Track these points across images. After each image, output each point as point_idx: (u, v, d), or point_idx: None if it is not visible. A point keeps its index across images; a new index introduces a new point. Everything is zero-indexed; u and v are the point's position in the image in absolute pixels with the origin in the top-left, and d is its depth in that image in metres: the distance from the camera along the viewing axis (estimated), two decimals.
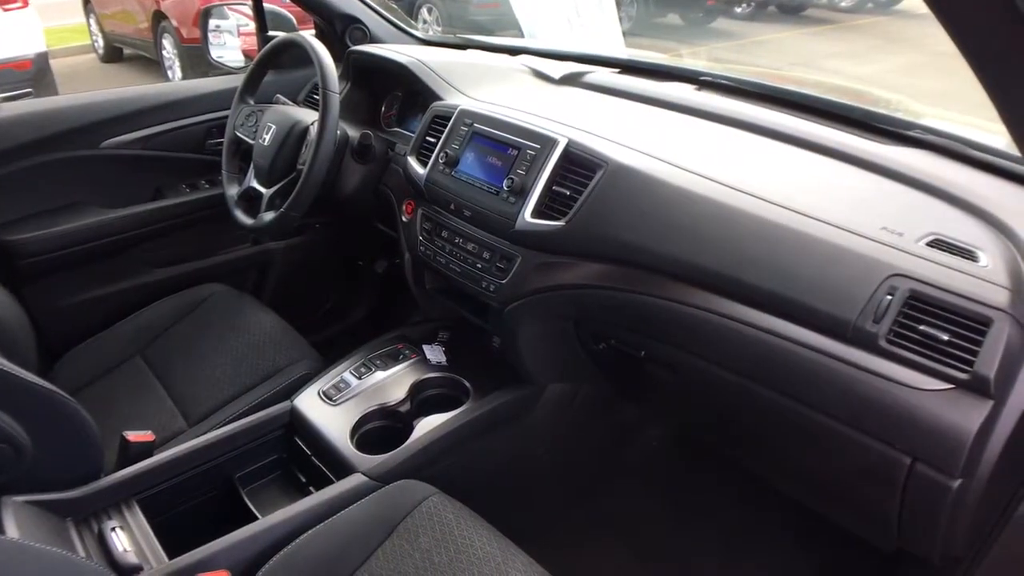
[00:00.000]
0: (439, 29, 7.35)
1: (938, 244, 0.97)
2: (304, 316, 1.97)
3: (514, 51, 1.93)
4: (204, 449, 1.30)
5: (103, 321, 1.73)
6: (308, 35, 1.63)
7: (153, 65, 7.15)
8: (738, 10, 9.11)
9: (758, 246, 1.04)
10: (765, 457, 1.26)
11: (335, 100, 1.49)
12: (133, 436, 1.27)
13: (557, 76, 1.70)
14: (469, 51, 1.97)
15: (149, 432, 1.29)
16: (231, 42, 2.22)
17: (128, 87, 1.90)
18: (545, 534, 1.24)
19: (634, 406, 1.58)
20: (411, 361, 1.51)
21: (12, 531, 0.99)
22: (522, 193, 1.27)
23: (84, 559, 1.01)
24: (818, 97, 1.46)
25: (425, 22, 7.54)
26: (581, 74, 1.71)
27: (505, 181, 1.29)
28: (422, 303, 1.64)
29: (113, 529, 1.12)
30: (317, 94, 1.52)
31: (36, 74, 4.75)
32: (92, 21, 8.08)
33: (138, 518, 1.18)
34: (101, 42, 8.07)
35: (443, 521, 1.10)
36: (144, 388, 1.55)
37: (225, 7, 2.30)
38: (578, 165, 1.24)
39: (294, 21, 2.11)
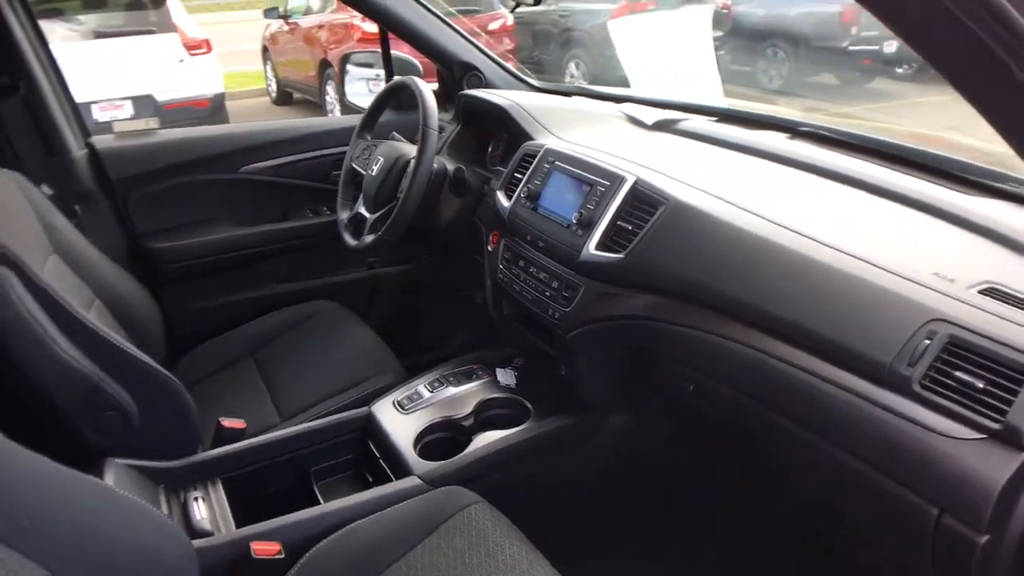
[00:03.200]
0: (584, 83, 7.55)
1: (991, 292, 0.95)
2: (402, 339, 2.10)
3: (619, 99, 2.01)
4: (286, 440, 1.44)
5: (226, 324, 1.95)
6: (417, 79, 1.78)
7: (318, 108, 7.80)
8: (899, 71, 8.72)
9: (802, 285, 1.05)
10: (815, 507, 1.23)
11: (432, 136, 1.62)
12: (227, 422, 1.43)
13: (650, 122, 1.76)
14: (573, 98, 2.07)
15: (241, 420, 1.45)
16: (363, 87, 2.45)
17: (267, 121, 2.15)
18: (579, 559, 1.26)
19: (695, 449, 1.57)
20: (482, 381, 1.59)
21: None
22: (589, 226, 1.34)
23: (164, 515, 1.15)
24: (908, 147, 1.42)
25: (572, 76, 7.79)
26: (675, 121, 1.75)
27: (575, 215, 1.36)
28: (500, 329, 1.72)
29: (196, 499, 1.27)
30: None
31: (212, 112, 5.37)
32: (268, 68, 8.99)
33: (219, 494, 1.32)
34: (274, 86, 8.93)
35: (480, 527, 1.16)
36: (250, 385, 1.74)
37: (365, 54, 2.54)
38: (643, 202, 1.29)
39: (420, 69, 2.29)
